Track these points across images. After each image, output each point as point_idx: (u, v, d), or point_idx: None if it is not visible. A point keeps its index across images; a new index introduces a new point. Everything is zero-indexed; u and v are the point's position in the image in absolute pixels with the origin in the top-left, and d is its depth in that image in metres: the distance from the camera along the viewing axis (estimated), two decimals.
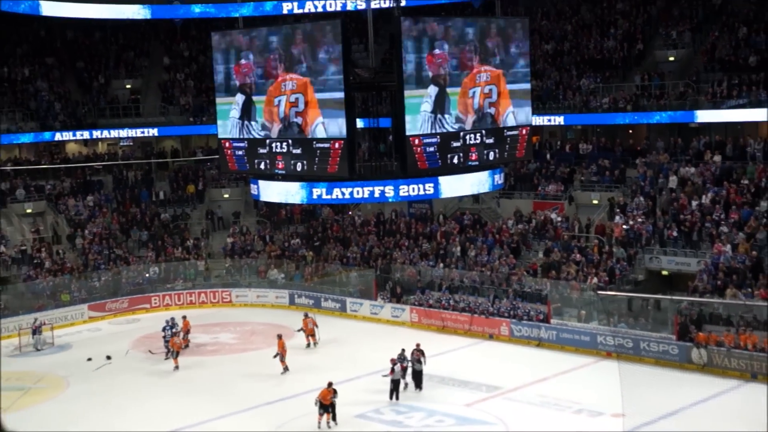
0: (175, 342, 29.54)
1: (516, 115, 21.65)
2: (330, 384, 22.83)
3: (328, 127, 19.69)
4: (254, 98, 21.36)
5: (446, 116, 20.02)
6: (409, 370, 25.51)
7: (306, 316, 31.66)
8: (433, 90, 19.72)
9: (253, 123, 21.46)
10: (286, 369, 27.97)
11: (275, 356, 27.93)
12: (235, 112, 21.70)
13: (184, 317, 32.00)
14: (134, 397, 26.28)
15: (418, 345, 25.94)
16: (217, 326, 34.71)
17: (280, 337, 28.62)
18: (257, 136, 21.27)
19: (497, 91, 21.02)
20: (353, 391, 24.70)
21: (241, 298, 38.57)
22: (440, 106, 19.92)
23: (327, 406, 22.56)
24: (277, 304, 37.90)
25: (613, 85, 38.47)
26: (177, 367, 28.97)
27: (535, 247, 35.09)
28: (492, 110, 21.01)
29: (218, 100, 22.37)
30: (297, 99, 20.27)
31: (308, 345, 31.03)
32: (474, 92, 20.54)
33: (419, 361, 25.58)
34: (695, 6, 39.38)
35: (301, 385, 26.11)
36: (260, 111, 21.11)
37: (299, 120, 20.21)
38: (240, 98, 21.75)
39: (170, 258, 40.15)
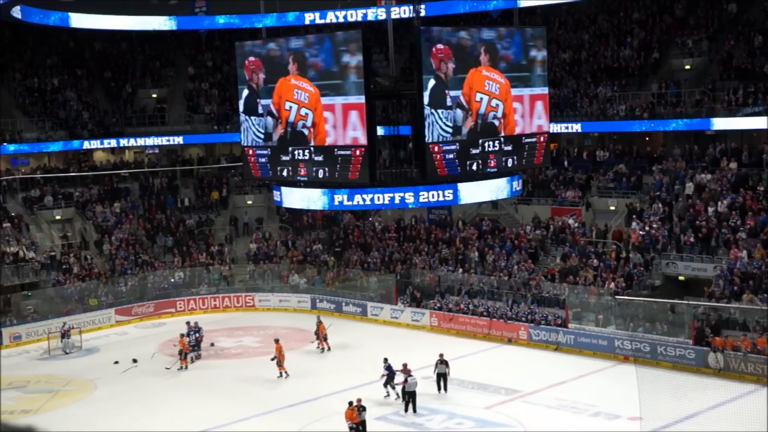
0: (184, 343, 29.76)
1: (524, 127, 21.50)
2: (351, 403, 22.13)
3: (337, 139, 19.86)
4: (260, 96, 21.59)
5: (440, 112, 19.85)
6: (395, 385, 24.92)
7: (320, 320, 31.77)
8: (430, 82, 19.63)
9: (253, 118, 21.71)
10: (284, 374, 27.92)
11: (272, 359, 28.00)
12: (261, 120, 21.81)
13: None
14: (160, 400, 26.40)
15: (441, 355, 25.86)
16: (241, 330, 34.79)
17: (277, 341, 28.64)
18: (257, 132, 21.50)
19: (503, 108, 20.84)
20: (374, 394, 24.70)
21: (264, 303, 38.65)
22: (436, 100, 19.75)
23: (357, 425, 21.92)
24: (299, 309, 37.96)
25: (630, 93, 38.34)
26: (184, 368, 29.34)
27: (553, 252, 34.99)
28: (496, 122, 20.85)
29: (242, 106, 22.56)
30: (307, 114, 20.47)
31: (322, 350, 31.13)
32: (481, 98, 20.43)
33: (445, 364, 25.76)
34: (711, 15, 39.19)
35: (324, 387, 26.25)
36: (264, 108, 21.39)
37: (306, 132, 20.44)
38: (244, 92, 22.01)
39: (195, 263, 40.32)
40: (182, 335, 30.25)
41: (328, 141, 20.18)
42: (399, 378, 24.59)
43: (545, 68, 22.40)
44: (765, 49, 35.90)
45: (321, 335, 31.07)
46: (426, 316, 34.02)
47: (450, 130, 19.86)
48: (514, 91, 21.11)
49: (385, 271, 37.54)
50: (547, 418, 23.47)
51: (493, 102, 20.61)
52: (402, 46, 29.80)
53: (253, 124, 21.87)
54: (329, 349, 31.04)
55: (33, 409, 25.72)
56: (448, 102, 19.76)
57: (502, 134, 20.91)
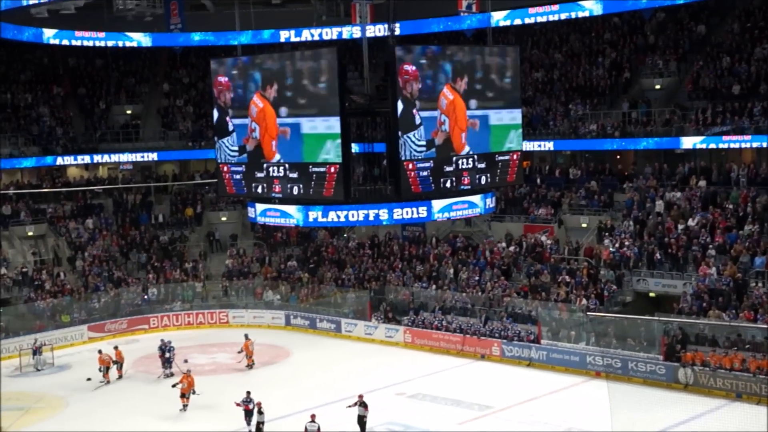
0: (103, 359, 30.13)
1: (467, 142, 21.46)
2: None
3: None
4: (229, 116, 21.71)
5: (412, 134, 19.92)
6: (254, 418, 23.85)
7: (247, 338, 31.87)
8: (399, 106, 19.70)
9: (227, 140, 21.83)
10: (250, 366, 31.03)
11: (239, 352, 30.78)
12: (234, 137, 21.87)
13: (116, 347, 31.48)
14: (131, 417, 26.11)
15: (360, 396, 23.78)
16: (214, 347, 34.62)
17: (246, 337, 31.42)
18: (229, 152, 21.61)
19: (451, 121, 20.75)
20: (348, 410, 24.63)
21: (238, 319, 38.49)
22: (406, 122, 19.76)
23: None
24: (273, 325, 37.86)
25: (601, 112, 38.67)
26: (103, 382, 29.81)
27: (526, 269, 35.14)
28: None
29: (217, 123, 22.59)
30: (255, 128, 20.90)
31: (249, 366, 31.49)
32: (445, 119, 20.53)
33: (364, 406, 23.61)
34: (681, 36, 39.70)
35: (299, 404, 26.10)
36: (238, 131, 21.51)
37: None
38: (215, 114, 22.14)
39: (169, 280, 40.11)
40: (100, 351, 30.62)
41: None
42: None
43: (518, 87, 22.60)
44: (732, 70, 36.39)
45: (248, 352, 31.40)
46: (400, 333, 34.03)
47: (423, 146, 19.96)
48: (477, 113, 21.15)
49: (359, 288, 37.53)
50: None
51: (442, 117, 20.60)
52: (377, 64, 29.91)
53: (225, 144, 22.00)
54: (252, 365, 31.59)
55: (3, 427, 25.40)
56: (417, 121, 19.85)
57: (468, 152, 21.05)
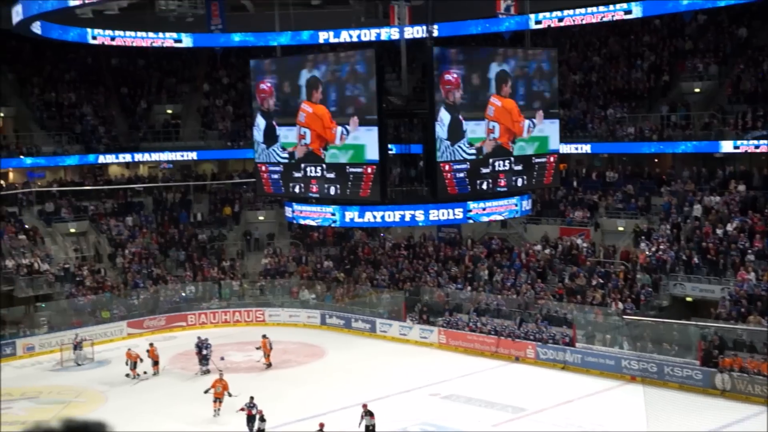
0: (131, 354, 30.51)
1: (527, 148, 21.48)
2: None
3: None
4: (275, 124, 21.67)
5: (463, 143, 19.89)
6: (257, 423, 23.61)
7: (264, 337, 32.01)
8: (446, 116, 19.68)
9: (275, 148, 21.80)
10: (269, 365, 31.06)
11: (257, 348, 31.04)
12: (258, 136, 21.93)
13: (151, 344, 31.77)
14: (168, 413, 26.34)
15: (365, 406, 23.41)
16: (251, 345, 34.71)
17: (264, 336, 31.58)
18: (281, 160, 21.59)
19: (501, 128, 20.89)
20: (382, 410, 24.62)
21: (274, 318, 38.67)
22: (454, 134, 19.82)
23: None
24: (308, 324, 37.98)
25: (640, 115, 38.37)
26: (130, 376, 30.19)
27: (561, 272, 34.94)
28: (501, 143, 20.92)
29: (256, 123, 22.70)
30: (305, 133, 20.73)
31: (267, 365, 31.56)
32: (494, 126, 20.49)
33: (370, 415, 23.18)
34: (721, 39, 39.24)
35: (332, 403, 26.15)
36: (284, 136, 21.46)
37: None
38: (261, 122, 22.08)
39: (206, 278, 40.42)
40: (129, 349, 31.12)
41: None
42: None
43: (556, 89, 22.48)
44: None
45: (265, 351, 31.46)
46: (434, 333, 33.98)
47: (474, 154, 19.99)
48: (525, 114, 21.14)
49: (394, 288, 37.55)
50: None
51: (491, 125, 20.62)
52: (415, 66, 29.93)
53: (275, 151, 21.90)
54: (270, 364, 31.59)
55: (44, 420, 25.72)
56: (464, 128, 19.85)
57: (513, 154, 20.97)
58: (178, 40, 36.17)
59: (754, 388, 25.71)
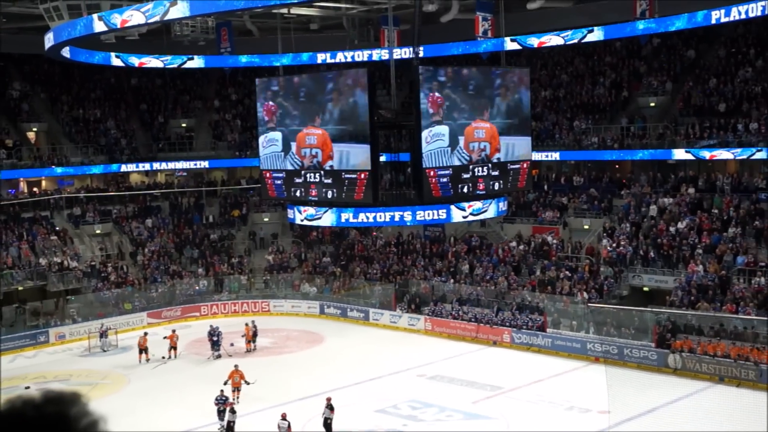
0: (140, 342, 30.70)
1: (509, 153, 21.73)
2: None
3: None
4: (286, 136, 21.72)
5: (458, 151, 20.21)
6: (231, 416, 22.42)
7: (247, 324, 32.13)
8: (444, 128, 19.88)
9: (291, 155, 21.85)
10: (248, 351, 31.02)
11: (243, 336, 30.95)
12: (277, 147, 22.00)
13: (174, 330, 31.82)
14: (182, 393, 26.40)
15: (329, 399, 22.17)
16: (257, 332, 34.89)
17: (247, 324, 31.83)
18: (296, 167, 21.61)
19: (491, 146, 21.16)
20: (375, 389, 24.83)
21: (278, 308, 38.75)
22: (454, 142, 20.07)
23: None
24: (309, 314, 38.08)
25: (602, 127, 38.61)
26: (167, 358, 30.52)
27: (534, 265, 35.16)
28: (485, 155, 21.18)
29: (261, 135, 22.77)
30: (317, 153, 20.78)
31: (248, 350, 31.49)
32: (474, 146, 20.74)
33: (330, 408, 21.88)
34: (673, 60, 39.56)
35: (330, 384, 26.24)
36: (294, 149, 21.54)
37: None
38: (280, 135, 22.06)
39: (217, 273, 40.49)
40: (146, 333, 31.57)
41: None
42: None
43: (528, 103, 22.68)
44: (718, 90, 36.23)
45: (247, 337, 31.35)
46: (421, 321, 34.15)
47: (468, 157, 20.24)
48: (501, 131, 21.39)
49: (385, 281, 37.69)
50: (527, 411, 23.60)
51: (482, 144, 20.86)
52: (403, 83, 30.12)
53: (292, 157, 21.82)
54: (254, 349, 31.48)
55: (26, 392, 25.75)
56: (460, 142, 20.22)
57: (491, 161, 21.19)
58: (191, 59, 36.20)
59: (702, 367, 25.98)
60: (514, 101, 21.79)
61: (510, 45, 32.92)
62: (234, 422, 22.32)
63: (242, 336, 31.63)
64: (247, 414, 23.52)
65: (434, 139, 19.83)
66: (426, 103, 19.64)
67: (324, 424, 21.56)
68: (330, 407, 21.72)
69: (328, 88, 20.68)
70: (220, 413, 22.67)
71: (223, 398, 23.09)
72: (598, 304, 30.20)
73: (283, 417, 21.19)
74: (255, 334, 31.98)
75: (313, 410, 23.44)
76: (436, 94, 19.82)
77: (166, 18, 20.43)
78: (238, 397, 24.81)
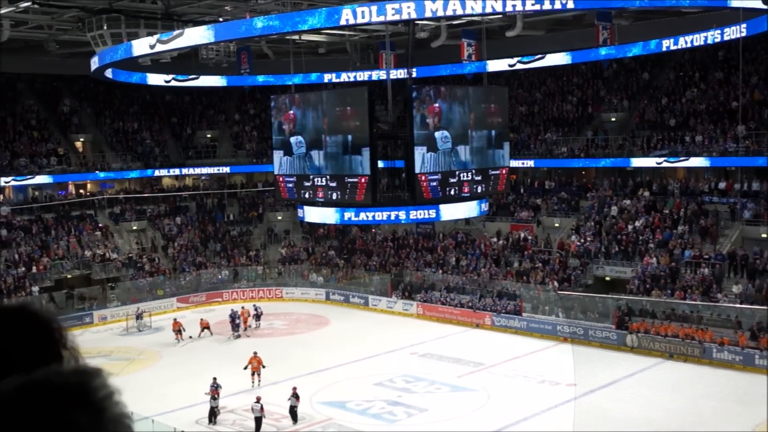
0: (177, 323, 30.62)
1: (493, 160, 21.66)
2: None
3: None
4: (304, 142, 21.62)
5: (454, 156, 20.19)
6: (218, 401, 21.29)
7: (243, 308, 31.76)
8: (447, 134, 19.88)
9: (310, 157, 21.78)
10: (237, 336, 29.99)
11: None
12: (302, 149, 21.73)
13: (202, 319, 31.59)
14: (207, 367, 26.01)
15: (294, 389, 20.93)
16: (272, 315, 34.78)
17: (243, 306, 31.77)
18: (309, 166, 21.56)
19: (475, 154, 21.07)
20: (373, 365, 24.83)
21: (290, 294, 38.70)
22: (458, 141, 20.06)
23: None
24: (316, 300, 38.01)
25: (570, 138, 38.64)
26: (192, 337, 30.27)
27: (511, 258, 35.18)
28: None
29: (275, 144, 22.69)
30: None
31: (245, 329, 30.91)
32: (465, 149, 20.70)
33: (296, 397, 20.77)
34: (630, 81, 39.61)
35: (335, 360, 26.27)
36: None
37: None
38: (300, 139, 21.99)
39: (237, 264, 40.46)
40: (175, 319, 31.13)
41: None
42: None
43: (506, 118, 22.67)
44: (669, 108, 36.29)
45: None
46: (414, 306, 34.15)
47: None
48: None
49: (383, 272, 37.68)
50: (505, 384, 23.65)
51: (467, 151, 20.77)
52: (398, 100, 30.13)
53: (314, 157, 21.42)
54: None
55: (115, 373, 25.69)
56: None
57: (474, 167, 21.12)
58: (196, 77, 35.98)
59: (655, 345, 26.06)
60: (493, 115, 21.79)
61: (491, 66, 32.97)
62: (217, 408, 21.07)
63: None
64: (264, 386, 23.52)
65: (443, 142, 19.75)
66: (425, 113, 19.62)
67: (290, 411, 20.70)
68: (296, 396, 20.64)
69: (335, 102, 20.64)
70: (213, 399, 21.28)
71: (215, 385, 21.49)
72: (566, 292, 30.26)
73: (257, 400, 20.22)
74: (258, 317, 31.88)
75: (320, 383, 23.53)
76: (436, 105, 19.84)
77: (194, 43, 20.35)
78: (258, 381, 23.98)
